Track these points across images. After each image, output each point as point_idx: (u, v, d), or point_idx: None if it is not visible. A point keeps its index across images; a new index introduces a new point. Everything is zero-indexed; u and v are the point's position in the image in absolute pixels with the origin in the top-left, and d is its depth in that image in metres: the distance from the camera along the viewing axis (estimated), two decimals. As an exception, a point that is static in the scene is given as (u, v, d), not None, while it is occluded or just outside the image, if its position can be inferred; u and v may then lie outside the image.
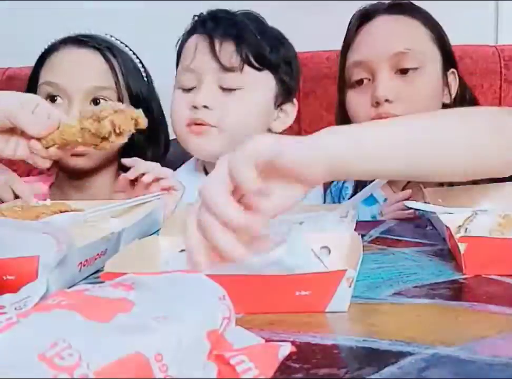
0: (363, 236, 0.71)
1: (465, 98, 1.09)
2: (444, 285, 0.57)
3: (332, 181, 1.13)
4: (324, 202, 1.13)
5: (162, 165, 0.95)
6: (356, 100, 1.03)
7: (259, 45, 1.00)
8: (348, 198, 1.03)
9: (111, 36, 1.14)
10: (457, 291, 0.56)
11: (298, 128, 1.48)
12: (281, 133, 1.04)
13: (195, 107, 0.99)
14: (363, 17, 1.06)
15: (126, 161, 0.95)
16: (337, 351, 0.43)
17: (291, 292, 0.50)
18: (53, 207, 0.81)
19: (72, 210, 0.81)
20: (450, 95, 1.06)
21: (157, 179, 0.92)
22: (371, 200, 1.04)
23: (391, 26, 1.04)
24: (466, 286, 0.57)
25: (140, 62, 1.15)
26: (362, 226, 0.79)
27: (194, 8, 1.46)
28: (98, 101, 1.04)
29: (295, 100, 1.09)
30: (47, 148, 0.78)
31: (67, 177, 1.12)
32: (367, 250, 0.66)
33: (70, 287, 0.56)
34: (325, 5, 1.56)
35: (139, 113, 0.78)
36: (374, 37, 1.03)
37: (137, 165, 0.93)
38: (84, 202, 0.87)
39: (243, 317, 0.49)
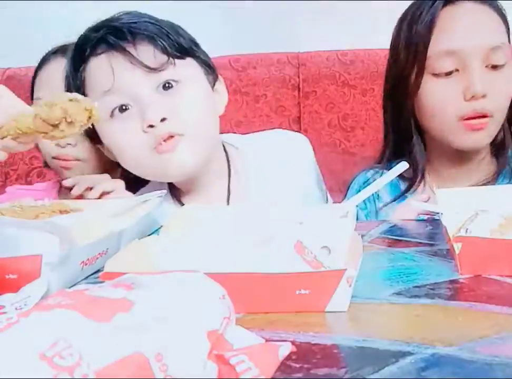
0: (363, 236, 0.71)
1: None
2: (444, 285, 0.56)
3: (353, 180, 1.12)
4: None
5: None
6: (443, 91, 0.99)
7: (169, 35, 0.91)
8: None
9: None
10: (457, 291, 0.56)
11: (299, 128, 1.48)
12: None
13: (151, 126, 0.88)
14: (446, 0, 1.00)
15: (65, 182, 0.94)
16: (337, 351, 0.43)
17: (291, 291, 0.50)
18: (52, 206, 0.81)
19: (71, 210, 0.81)
20: None
21: (106, 193, 0.90)
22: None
23: (481, 16, 1.00)
24: (466, 286, 0.57)
25: None
26: (362, 226, 0.79)
27: (194, 8, 1.47)
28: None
29: (219, 76, 1.01)
30: (1, 138, 0.73)
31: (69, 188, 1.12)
32: (367, 250, 0.66)
33: (72, 286, 0.56)
34: (326, 5, 1.56)
35: (93, 105, 0.73)
36: (466, 27, 0.98)
37: (80, 182, 0.91)
38: (83, 202, 0.87)
39: (243, 316, 0.49)
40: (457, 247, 0.59)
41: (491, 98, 0.98)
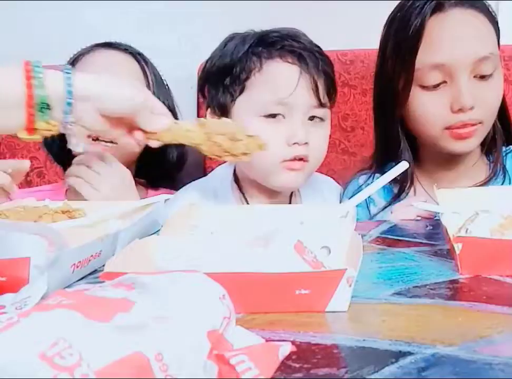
0: (363, 236, 0.71)
1: None
2: (444, 285, 0.57)
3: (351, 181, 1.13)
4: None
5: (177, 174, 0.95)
6: (431, 103, 0.98)
7: (333, 75, 1.00)
8: None
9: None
10: (457, 291, 0.56)
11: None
12: None
13: (296, 143, 0.97)
14: (435, 6, 0.98)
15: None
16: (337, 351, 0.43)
17: (290, 291, 0.50)
18: (55, 207, 0.81)
19: (73, 210, 0.81)
20: None
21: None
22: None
23: (468, 24, 0.98)
24: (466, 286, 0.57)
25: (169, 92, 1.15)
26: (362, 226, 0.79)
27: (194, 8, 1.47)
28: None
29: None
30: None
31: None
32: (368, 250, 0.66)
33: (65, 288, 0.56)
34: (325, 4, 1.56)
35: (263, 141, 0.81)
36: (455, 37, 0.97)
37: None
38: (84, 203, 0.87)
39: (243, 316, 0.49)
40: (457, 247, 0.59)
41: (479, 108, 0.97)
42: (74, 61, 1.10)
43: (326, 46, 1.46)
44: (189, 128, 0.80)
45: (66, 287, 0.58)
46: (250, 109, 0.99)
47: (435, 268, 0.62)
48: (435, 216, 0.83)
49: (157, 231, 0.77)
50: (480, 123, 0.98)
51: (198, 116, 1.35)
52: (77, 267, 0.61)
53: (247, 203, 1.04)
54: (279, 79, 0.97)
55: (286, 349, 0.37)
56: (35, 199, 0.90)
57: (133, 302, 0.36)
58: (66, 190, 1.14)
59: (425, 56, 0.97)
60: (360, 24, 1.57)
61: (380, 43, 1.06)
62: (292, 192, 1.08)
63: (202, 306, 0.38)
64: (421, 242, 0.73)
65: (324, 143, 1.01)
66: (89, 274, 0.64)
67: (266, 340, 0.40)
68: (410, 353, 0.41)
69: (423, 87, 0.98)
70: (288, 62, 0.97)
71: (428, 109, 0.99)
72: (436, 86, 0.97)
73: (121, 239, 0.71)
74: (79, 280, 0.62)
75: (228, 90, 1.01)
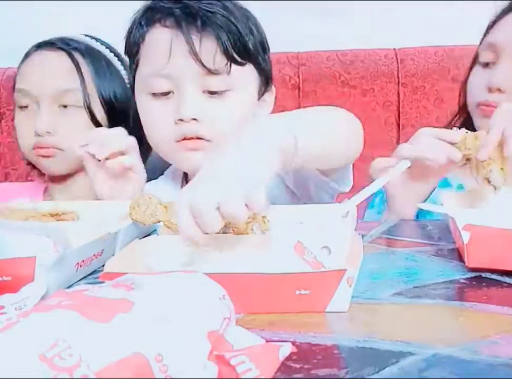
0: (363, 236, 0.71)
1: None
2: (444, 285, 0.56)
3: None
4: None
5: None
6: (477, 79, 1.02)
7: (240, 35, 0.86)
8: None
9: (95, 39, 1.12)
10: (458, 292, 0.56)
11: (299, 128, 1.48)
12: None
13: (181, 120, 0.87)
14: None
15: (78, 144, 0.88)
16: (338, 351, 0.43)
17: (291, 291, 0.50)
18: (43, 209, 0.79)
19: (62, 213, 0.80)
20: None
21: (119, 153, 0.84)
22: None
23: None
24: (467, 286, 0.56)
25: (123, 64, 1.11)
26: (363, 226, 0.79)
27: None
28: (66, 106, 1.03)
29: (273, 87, 0.98)
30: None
31: (51, 181, 1.12)
32: (368, 250, 0.66)
33: (67, 288, 0.56)
34: (325, 4, 1.56)
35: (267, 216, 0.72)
36: None
37: (91, 143, 0.85)
38: (75, 203, 0.85)
39: (243, 317, 0.49)
40: (465, 236, 0.57)
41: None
42: (21, 63, 1.11)
43: (326, 46, 1.46)
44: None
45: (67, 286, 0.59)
46: (139, 87, 0.91)
47: (435, 268, 0.62)
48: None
49: (157, 231, 0.77)
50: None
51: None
52: (80, 266, 0.62)
53: None
54: (153, 48, 0.86)
55: (286, 349, 0.37)
56: (28, 199, 0.90)
57: (133, 303, 0.36)
58: (44, 190, 1.14)
59: (489, 36, 1.00)
60: (360, 24, 1.57)
61: None
62: None
63: (202, 307, 0.37)
64: (421, 243, 0.73)
65: (228, 118, 0.88)
66: (89, 274, 0.64)
67: (267, 341, 0.40)
68: (410, 353, 0.41)
69: (478, 64, 1.01)
70: (166, 27, 0.85)
71: (474, 84, 1.02)
72: (485, 65, 1.00)
73: (121, 239, 0.71)
74: (78, 280, 0.63)
75: (130, 69, 0.94)
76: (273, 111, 1.11)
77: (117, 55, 1.12)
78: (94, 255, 0.65)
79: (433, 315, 0.50)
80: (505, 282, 0.56)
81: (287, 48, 1.51)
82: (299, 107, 1.48)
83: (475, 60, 1.04)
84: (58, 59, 1.06)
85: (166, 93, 0.89)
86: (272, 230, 0.68)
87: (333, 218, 0.74)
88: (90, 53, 1.08)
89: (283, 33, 1.60)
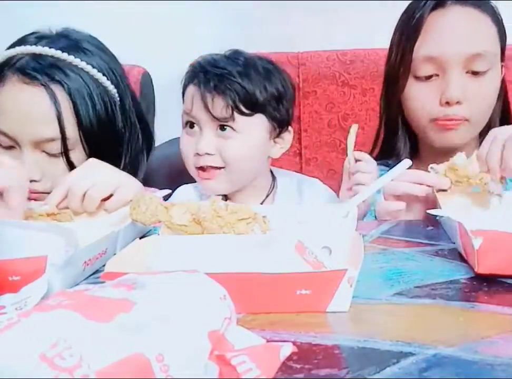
0: (364, 236, 0.71)
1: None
2: (445, 285, 0.56)
3: None
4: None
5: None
6: (423, 94, 1.02)
7: (247, 93, 1.04)
8: None
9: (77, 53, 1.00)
10: (458, 292, 0.56)
11: (299, 128, 1.48)
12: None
13: (198, 154, 1.06)
14: (437, 2, 1.02)
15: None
16: (338, 351, 0.43)
17: (291, 291, 0.50)
18: (40, 210, 0.79)
19: (58, 213, 0.79)
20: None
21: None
22: None
23: (466, 21, 1.01)
24: (467, 286, 0.56)
25: (109, 79, 1.02)
26: (363, 226, 0.79)
27: (194, 7, 1.47)
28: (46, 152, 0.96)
29: (290, 128, 1.11)
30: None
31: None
32: (368, 250, 0.66)
33: (73, 286, 0.56)
34: (326, 4, 1.56)
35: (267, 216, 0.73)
36: (449, 33, 1.00)
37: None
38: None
39: (244, 317, 0.49)
40: (476, 242, 0.55)
41: (467, 104, 1.00)
42: None
43: (326, 46, 1.46)
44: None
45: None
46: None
47: (436, 268, 0.62)
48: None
49: (157, 231, 0.77)
50: (466, 120, 1.01)
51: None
52: (88, 264, 0.63)
53: None
54: (186, 99, 1.09)
55: (287, 349, 0.37)
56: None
57: (134, 303, 0.36)
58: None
59: (421, 48, 1.02)
60: (360, 24, 1.57)
61: (391, 38, 1.11)
62: (266, 195, 1.12)
63: (203, 306, 0.37)
64: (422, 243, 0.73)
65: (239, 152, 1.06)
66: (90, 274, 0.64)
67: (267, 341, 0.40)
68: (411, 353, 0.41)
69: (417, 78, 1.03)
70: (194, 85, 1.08)
71: (418, 99, 1.03)
72: (428, 78, 1.02)
73: (121, 239, 0.71)
74: (84, 278, 0.63)
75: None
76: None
77: (102, 70, 1.02)
78: (99, 254, 0.65)
79: (433, 315, 0.50)
80: (505, 283, 0.56)
81: (287, 48, 1.51)
82: (299, 107, 1.48)
83: (404, 74, 1.03)
84: (39, 99, 0.96)
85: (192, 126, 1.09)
86: (273, 230, 0.68)
87: (333, 218, 0.74)
88: (70, 80, 0.97)
89: (283, 33, 1.60)
